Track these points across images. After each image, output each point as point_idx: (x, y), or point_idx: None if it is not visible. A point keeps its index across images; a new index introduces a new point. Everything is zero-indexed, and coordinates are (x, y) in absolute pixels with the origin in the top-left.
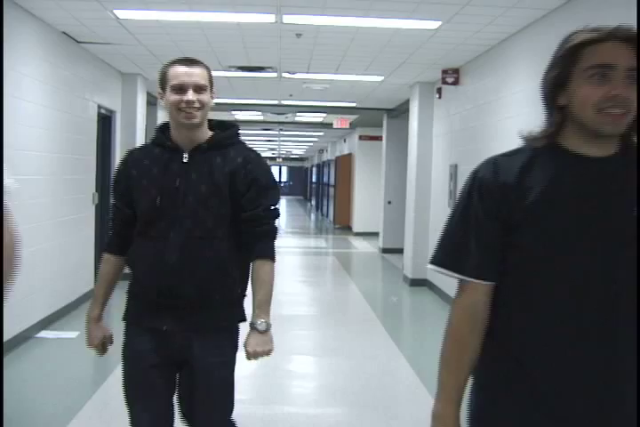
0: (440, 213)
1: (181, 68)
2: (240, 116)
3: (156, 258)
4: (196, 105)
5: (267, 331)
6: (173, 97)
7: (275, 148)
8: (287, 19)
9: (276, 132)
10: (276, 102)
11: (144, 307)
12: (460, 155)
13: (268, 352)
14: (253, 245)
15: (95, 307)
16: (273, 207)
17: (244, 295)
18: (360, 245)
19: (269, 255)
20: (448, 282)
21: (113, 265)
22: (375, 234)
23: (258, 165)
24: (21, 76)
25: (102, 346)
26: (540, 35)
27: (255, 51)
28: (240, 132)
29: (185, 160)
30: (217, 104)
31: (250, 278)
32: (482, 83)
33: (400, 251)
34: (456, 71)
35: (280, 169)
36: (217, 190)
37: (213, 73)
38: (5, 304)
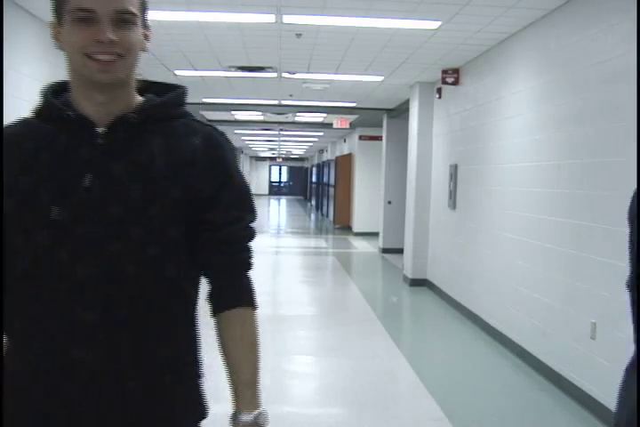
0: (440, 213)
1: None
2: (240, 116)
3: (60, 318)
4: (117, 50)
5: None
6: (76, 34)
7: (275, 148)
8: (287, 19)
9: (276, 132)
10: (276, 102)
11: (31, 406)
12: (460, 155)
13: None
14: (226, 284)
15: None
16: (253, 222)
17: (200, 375)
18: (360, 245)
19: (251, 301)
20: (448, 282)
21: None
22: (375, 234)
23: (228, 151)
24: (21, 75)
25: None
26: (540, 35)
27: (255, 51)
28: (220, 119)
29: (100, 141)
30: (217, 104)
31: (220, 342)
32: (482, 83)
33: (400, 251)
34: (456, 71)
35: (280, 169)
36: (160, 194)
37: (213, 73)
38: None
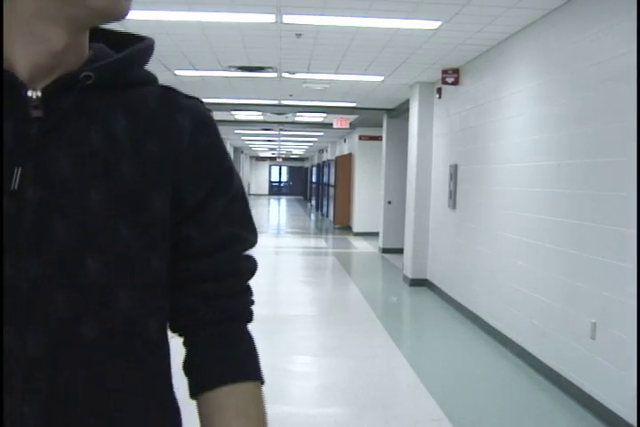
0: (440, 213)
1: None
2: (240, 116)
3: None
4: None
5: None
6: None
7: (275, 148)
8: (287, 19)
9: (276, 132)
10: (276, 102)
11: None
12: (460, 155)
13: None
14: (218, 348)
15: None
16: (253, 247)
17: None
18: (360, 245)
19: (258, 372)
20: (448, 282)
21: None
22: (375, 234)
23: (220, 138)
24: None
25: None
26: (540, 35)
27: (255, 51)
28: (220, 119)
29: (36, 114)
30: (217, 104)
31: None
32: (482, 83)
33: (400, 251)
34: (456, 71)
35: (280, 169)
36: (134, 202)
37: (213, 73)
38: None
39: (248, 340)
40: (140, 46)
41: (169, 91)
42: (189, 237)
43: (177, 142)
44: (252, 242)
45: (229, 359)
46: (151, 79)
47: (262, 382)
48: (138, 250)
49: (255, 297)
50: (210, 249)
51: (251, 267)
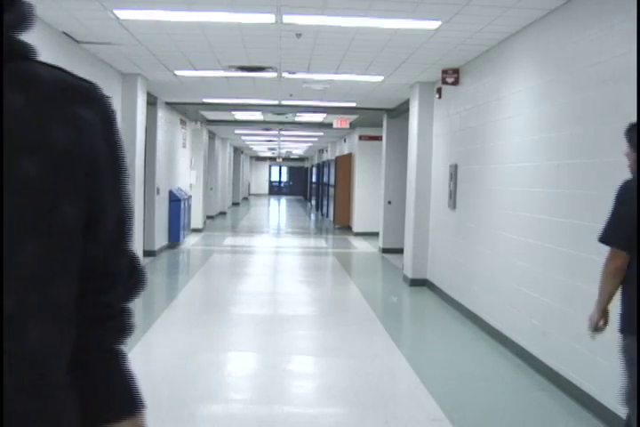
0: (440, 213)
1: None
2: (240, 116)
3: None
4: None
5: None
6: None
7: (275, 148)
8: (287, 19)
9: (276, 132)
10: (276, 102)
11: None
12: (460, 155)
13: None
14: (100, 379)
15: None
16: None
17: None
18: (360, 245)
19: (138, 405)
20: (448, 282)
21: None
22: (375, 234)
23: (118, 136)
24: None
25: None
26: (540, 35)
27: (255, 51)
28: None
29: None
30: (217, 104)
31: None
32: (482, 83)
33: (400, 251)
34: (456, 71)
35: (280, 169)
36: (39, 210)
37: (213, 73)
38: None
39: (125, 365)
40: (20, 9)
41: (60, 71)
42: (90, 255)
43: (90, 140)
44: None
45: (113, 395)
46: (34, 53)
47: (143, 411)
48: (39, 269)
49: (255, 297)
50: (108, 266)
51: (143, 280)
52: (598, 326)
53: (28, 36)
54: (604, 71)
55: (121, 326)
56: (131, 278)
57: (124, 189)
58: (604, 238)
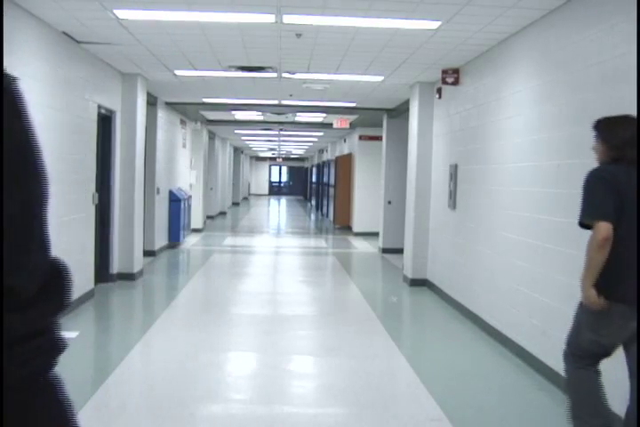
0: (440, 213)
1: None
2: (240, 116)
3: None
4: None
5: None
6: None
7: (275, 148)
8: (287, 19)
9: (276, 132)
10: (276, 102)
11: None
12: (460, 155)
13: None
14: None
15: None
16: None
17: None
18: (360, 245)
19: None
20: (448, 282)
21: None
22: (375, 234)
23: (20, 124)
24: (21, 76)
25: None
26: (540, 35)
27: (255, 51)
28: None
29: None
30: (217, 104)
31: None
32: (482, 83)
33: (400, 251)
34: (456, 71)
35: (280, 169)
36: None
37: (213, 73)
38: None
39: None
40: None
41: None
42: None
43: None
44: (48, 256)
45: None
46: None
47: None
48: None
49: (255, 297)
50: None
51: (64, 302)
52: (601, 303)
53: (28, 37)
54: (604, 71)
55: (31, 353)
56: (41, 296)
57: (25, 185)
58: (583, 217)
